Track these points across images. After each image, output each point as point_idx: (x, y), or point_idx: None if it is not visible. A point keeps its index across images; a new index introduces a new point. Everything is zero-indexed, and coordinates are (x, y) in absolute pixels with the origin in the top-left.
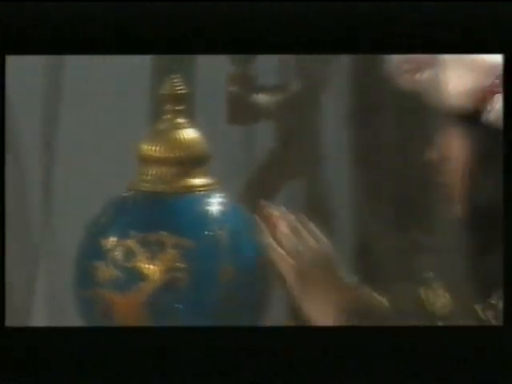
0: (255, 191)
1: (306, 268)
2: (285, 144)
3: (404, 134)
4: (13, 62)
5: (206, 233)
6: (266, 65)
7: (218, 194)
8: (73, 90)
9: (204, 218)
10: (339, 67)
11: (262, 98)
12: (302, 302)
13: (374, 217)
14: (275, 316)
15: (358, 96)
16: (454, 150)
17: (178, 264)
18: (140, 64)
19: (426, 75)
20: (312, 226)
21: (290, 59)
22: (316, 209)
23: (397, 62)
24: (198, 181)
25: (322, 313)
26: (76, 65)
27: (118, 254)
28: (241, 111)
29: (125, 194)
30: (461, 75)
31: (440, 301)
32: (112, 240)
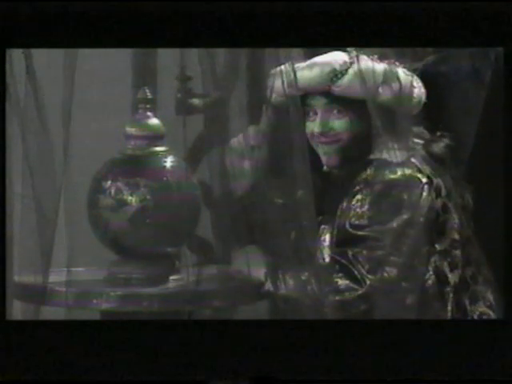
0: (191, 155)
1: None
2: (207, 129)
3: None
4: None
5: (164, 178)
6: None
7: (170, 156)
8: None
9: (161, 169)
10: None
11: (196, 100)
12: None
13: None
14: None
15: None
16: None
17: (147, 197)
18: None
19: None
20: None
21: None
22: (222, 167)
23: None
24: (158, 148)
25: None
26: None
27: (112, 190)
28: (183, 108)
29: (117, 156)
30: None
31: None
32: (109, 182)
